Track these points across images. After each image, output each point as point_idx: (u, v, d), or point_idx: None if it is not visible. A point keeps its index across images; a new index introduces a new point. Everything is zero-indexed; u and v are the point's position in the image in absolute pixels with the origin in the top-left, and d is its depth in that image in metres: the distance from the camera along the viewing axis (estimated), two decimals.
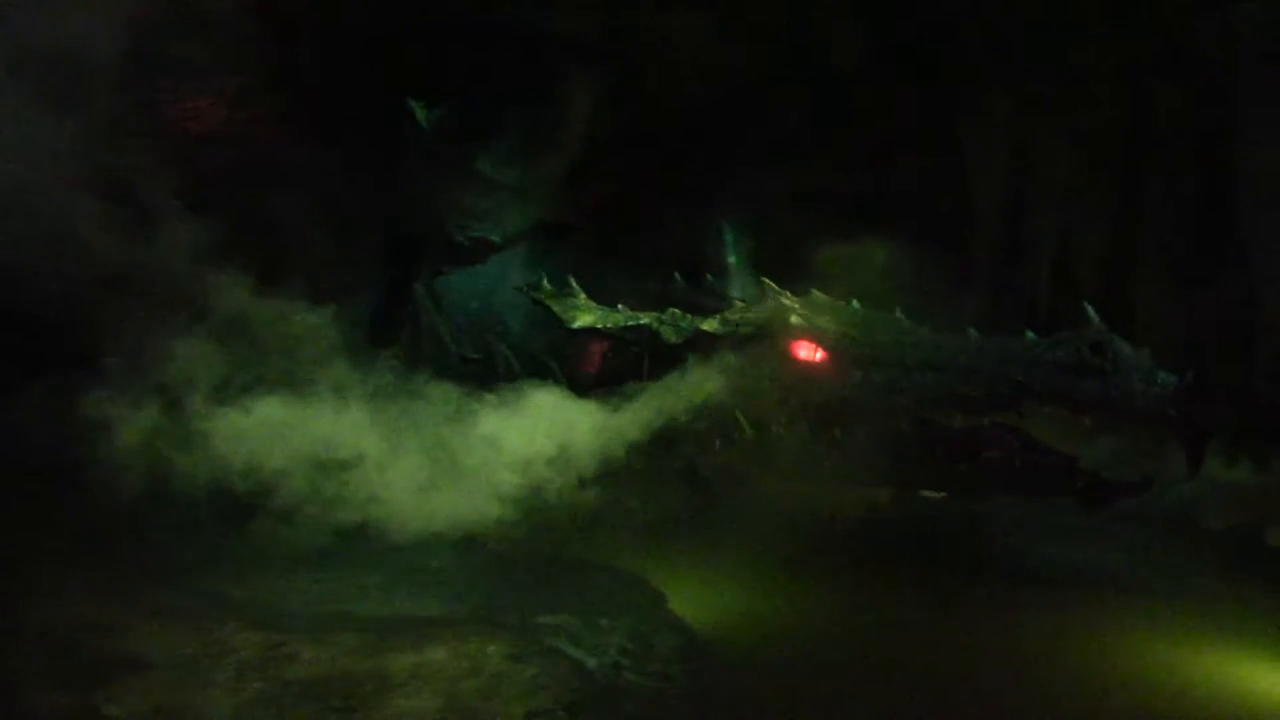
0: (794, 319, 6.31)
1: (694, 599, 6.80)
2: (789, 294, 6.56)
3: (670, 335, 6.83)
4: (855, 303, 6.43)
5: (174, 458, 6.76)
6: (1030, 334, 5.78)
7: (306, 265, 7.00)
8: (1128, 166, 10.33)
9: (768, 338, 6.40)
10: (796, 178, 9.63)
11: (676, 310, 6.97)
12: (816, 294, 6.53)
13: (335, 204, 7.49)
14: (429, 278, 7.53)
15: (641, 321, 7.06)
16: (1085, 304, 5.66)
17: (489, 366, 7.37)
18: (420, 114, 7.74)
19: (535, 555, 6.56)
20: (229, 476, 6.72)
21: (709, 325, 6.74)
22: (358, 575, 6.66)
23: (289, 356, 6.81)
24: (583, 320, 7.22)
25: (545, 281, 7.50)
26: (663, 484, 6.81)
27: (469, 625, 6.08)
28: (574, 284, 7.40)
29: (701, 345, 6.68)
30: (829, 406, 6.17)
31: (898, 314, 6.28)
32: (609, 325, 7.16)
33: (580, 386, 7.08)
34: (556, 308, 7.33)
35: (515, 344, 7.50)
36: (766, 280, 6.66)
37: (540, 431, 6.67)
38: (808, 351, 6.27)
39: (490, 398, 6.78)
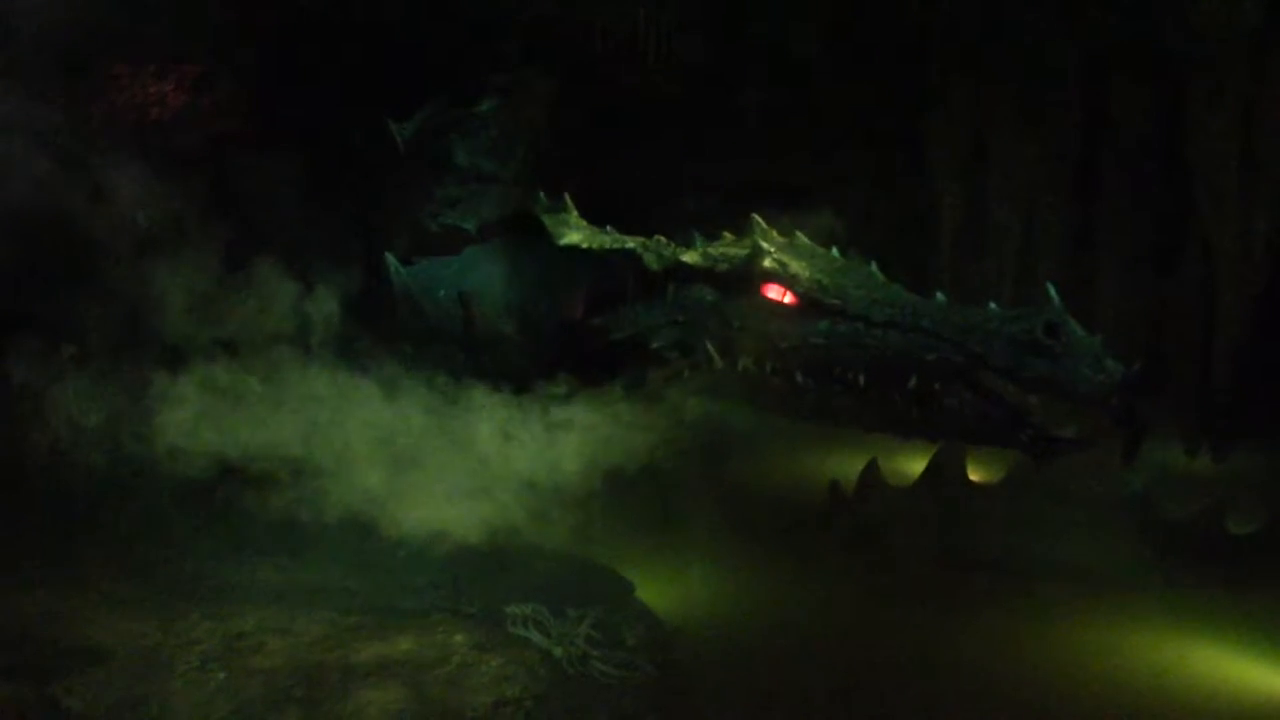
0: (767, 262, 6.31)
1: (661, 588, 6.82)
2: (773, 233, 6.57)
3: (652, 262, 6.79)
4: (835, 251, 6.45)
5: (137, 444, 6.66)
6: (993, 305, 5.81)
7: (280, 245, 6.91)
8: (1087, 161, 10.42)
9: (742, 276, 6.39)
10: (757, 170, 9.66)
11: (661, 238, 6.94)
12: (800, 237, 6.55)
13: (309, 192, 7.43)
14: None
15: (627, 245, 7.03)
16: (1047, 284, 5.69)
17: (469, 332, 7.31)
18: (399, 134, 7.68)
19: (502, 545, 6.52)
20: (193, 464, 6.64)
21: (689, 257, 6.70)
22: (323, 566, 6.61)
23: (259, 339, 6.72)
24: (570, 238, 7.17)
25: (542, 195, 7.47)
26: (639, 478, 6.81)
27: (435, 616, 6.06)
28: (569, 201, 7.38)
29: (680, 275, 6.68)
30: (793, 350, 6.18)
31: (873, 268, 6.30)
32: (595, 246, 7.12)
33: (570, 332, 7.07)
34: (548, 222, 7.29)
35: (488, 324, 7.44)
36: (756, 216, 6.67)
37: (511, 420, 6.64)
38: (777, 294, 6.28)
39: (465, 387, 6.73)
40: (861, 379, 6.02)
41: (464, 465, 6.53)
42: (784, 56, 9.86)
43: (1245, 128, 9.67)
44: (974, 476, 8.34)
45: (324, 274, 6.90)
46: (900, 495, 8.20)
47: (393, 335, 7.09)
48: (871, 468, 8.30)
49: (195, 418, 6.59)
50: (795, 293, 6.22)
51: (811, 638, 6.50)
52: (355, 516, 6.57)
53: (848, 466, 8.53)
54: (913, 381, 5.88)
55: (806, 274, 6.26)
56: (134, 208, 7.26)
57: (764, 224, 6.61)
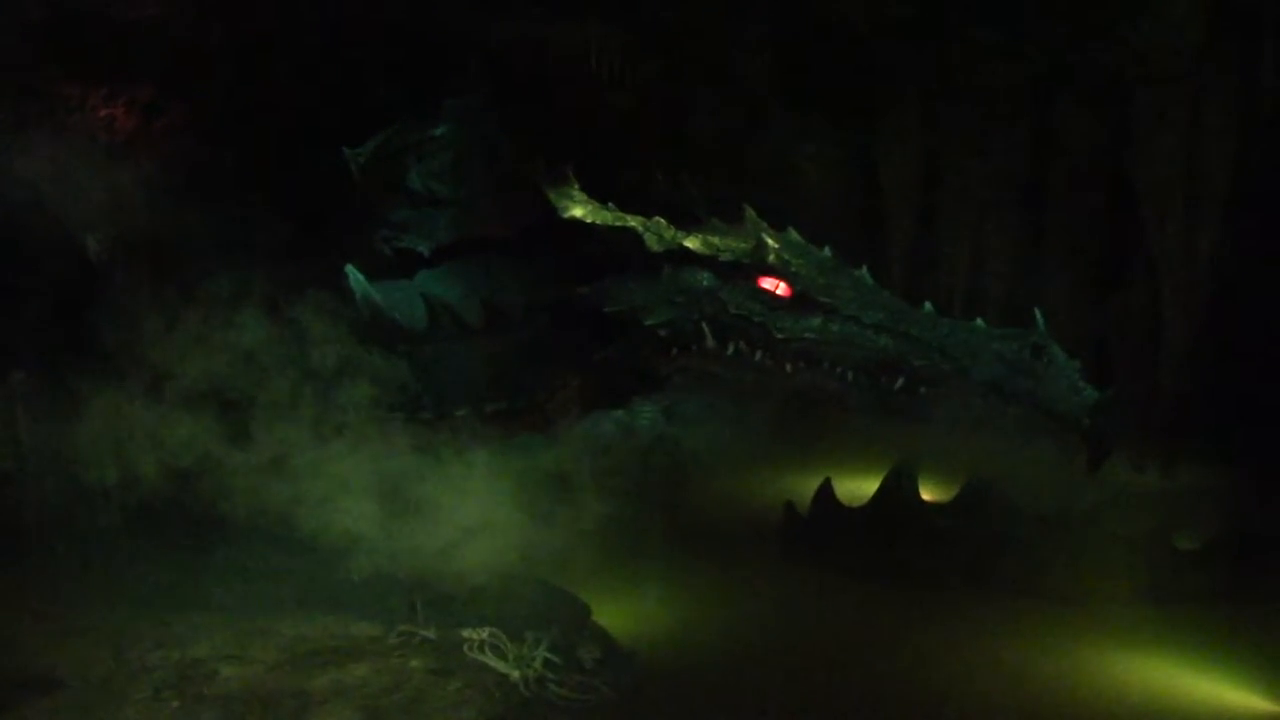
0: (771, 257, 6.47)
1: (618, 610, 6.83)
2: (764, 225, 6.74)
3: (653, 244, 6.98)
4: (827, 250, 6.64)
5: (89, 469, 6.60)
6: (980, 322, 6.06)
7: (235, 267, 6.88)
8: (1035, 178, 10.54)
9: (742, 265, 6.61)
10: (711, 188, 9.70)
11: (661, 220, 7.07)
12: (793, 233, 6.75)
13: (265, 214, 7.43)
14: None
15: (629, 224, 7.13)
16: (1035, 310, 5.95)
17: (436, 326, 7.34)
18: (354, 162, 7.69)
19: (459, 569, 6.52)
20: (147, 489, 6.59)
21: (691, 243, 6.91)
22: (278, 591, 6.58)
23: (216, 362, 6.69)
24: (573, 212, 7.26)
25: (542, 164, 7.56)
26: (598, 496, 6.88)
27: (391, 641, 6.03)
28: (571, 175, 7.46)
29: (680, 260, 6.82)
30: (786, 342, 6.37)
31: (864, 272, 6.51)
32: (597, 221, 7.21)
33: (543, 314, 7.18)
34: (551, 195, 7.36)
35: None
36: (749, 209, 6.83)
37: (465, 444, 6.66)
38: (771, 285, 6.45)
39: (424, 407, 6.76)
40: (850, 375, 6.22)
41: (421, 489, 6.55)
42: (734, 77, 9.92)
43: (1189, 146, 9.82)
44: (926, 496, 8.40)
45: (281, 295, 6.87)
46: (854, 515, 8.25)
47: (357, 342, 7.06)
48: (825, 488, 8.35)
49: (149, 442, 6.55)
50: (792, 287, 6.41)
51: (768, 658, 6.52)
52: (311, 541, 6.56)
53: (802, 487, 8.58)
54: (900, 382, 6.08)
55: (805, 271, 6.46)
56: (85, 231, 7.24)
57: (756, 216, 6.79)
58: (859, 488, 8.57)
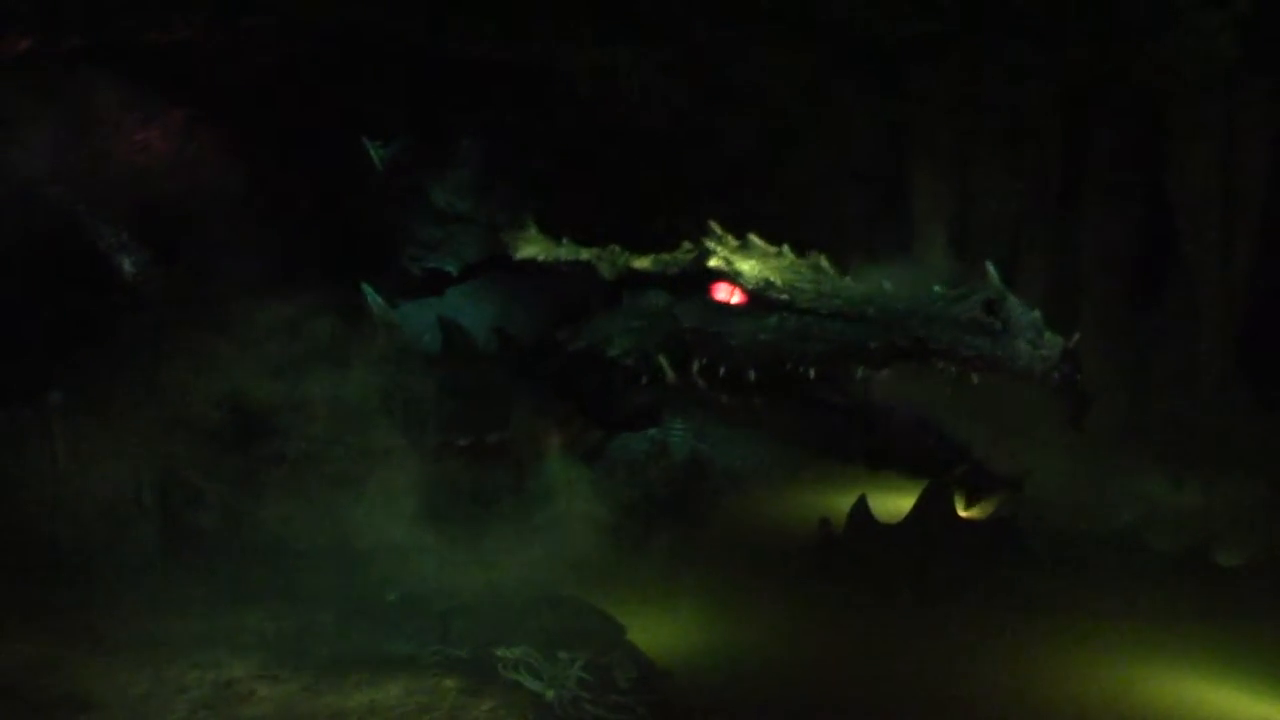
0: (714, 262, 6.38)
1: (653, 629, 6.79)
2: (728, 237, 6.65)
3: (606, 272, 6.90)
4: (786, 248, 6.52)
5: (124, 490, 6.64)
6: (937, 288, 5.89)
7: (263, 287, 6.92)
8: (1070, 195, 10.51)
9: (691, 277, 6.50)
10: (745, 207, 9.70)
11: (615, 247, 7.03)
12: (754, 239, 6.63)
13: (291, 234, 7.45)
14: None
15: (582, 256, 7.10)
16: (986, 262, 5.76)
17: (451, 348, 7.33)
18: (376, 154, 7.71)
19: (491, 587, 6.51)
20: (182, 510, 6.61)
21: (640, 264, 6.82)
22: (311, 611, 6.56)
23: (248, 384, 6.72)
24: (525, 252, 7.24)
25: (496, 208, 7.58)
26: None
27: (425, 660, 6.00)
28: (529, 220, 7.44)
29: (635, 282, 6.77)
30: (743, 348, 6.25)
31: (821, 261, 6.38)
32: (550, 259, 7.19)
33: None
34: (506, 238, 7.35)
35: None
36: (712, 222, 6.76)
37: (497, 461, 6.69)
38: (726, 293, 6.35)
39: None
40: (811, 373, 6.10)
41: (449, 508, 6.56)
42: (766, 99, 9.92)
43: (1225, 161, 9.76)
44: (962, 513, 8.35)
45: (314, 317, 6.90)
46: (890, 532, 8.21)
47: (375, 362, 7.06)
48: (861, 505, 8.32)
49: (185, 462, 6.58)
50: (744, 290, 6.32)
51: (804, 676, 6.49)
52: (344, 561, 6.57)
53: (837, 504, 8.55)
54: (860, 372, 5.98)
55: (755, 272, 6.35)
56: (120, 253, 7.31)
57: (719, 229, 6.70)
58: (895, 504, 8.54)
